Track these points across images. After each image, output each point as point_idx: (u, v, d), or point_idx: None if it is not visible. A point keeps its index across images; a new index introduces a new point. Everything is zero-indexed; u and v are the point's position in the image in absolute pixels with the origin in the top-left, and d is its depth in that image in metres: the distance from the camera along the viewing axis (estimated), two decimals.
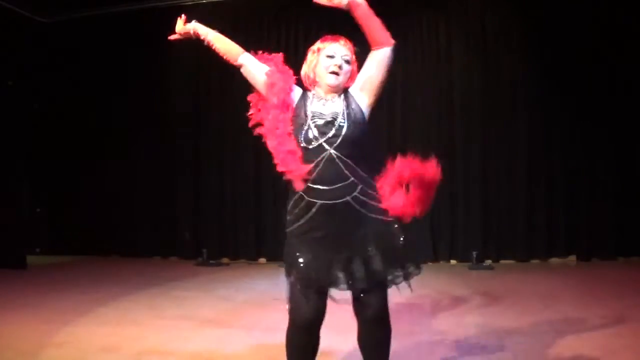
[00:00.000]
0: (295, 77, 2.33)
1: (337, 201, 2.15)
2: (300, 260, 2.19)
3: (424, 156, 2.23)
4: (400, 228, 2.24)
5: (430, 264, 6.60)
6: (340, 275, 2.16)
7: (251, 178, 7.02)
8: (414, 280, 2.30)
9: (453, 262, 6.60)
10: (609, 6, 6.22)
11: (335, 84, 2.25)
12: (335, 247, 2.17)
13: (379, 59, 2.30)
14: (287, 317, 2.28)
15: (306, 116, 2.21)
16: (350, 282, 2.16)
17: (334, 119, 2.18)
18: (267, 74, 2.29)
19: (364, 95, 2.27)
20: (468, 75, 6.67)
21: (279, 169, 2.20)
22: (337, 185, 2.15)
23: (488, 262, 6.42)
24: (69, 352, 3.31)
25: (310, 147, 2.16)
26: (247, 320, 4.09)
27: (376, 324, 2.24)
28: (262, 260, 7.06)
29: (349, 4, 2.26)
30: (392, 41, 2.30)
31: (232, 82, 6.11)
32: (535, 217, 6.46)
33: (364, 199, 2.18)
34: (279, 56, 2.36)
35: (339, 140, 2.15)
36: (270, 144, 2.22)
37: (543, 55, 6.44)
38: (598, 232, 6.34)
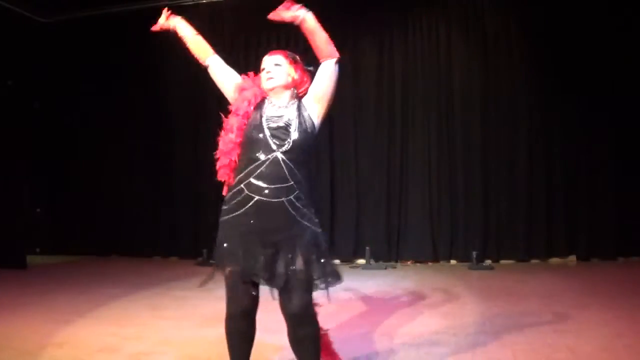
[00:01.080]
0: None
1: (273, 200, 2.30)
2: (230, 250, 2.33)
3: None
4: (326, 240, 2.40)
5: (430, 264, 6.61)
6: (264, 270, 2.29)
7: None
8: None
9: (453, 262, 6.61)
10: (609, 6, 6.22)
11: (271, 86, 2.42)
12: (263, 242, 2.30)
13: (325, 70, 2.43)
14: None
15: (261, 118, 2.39)
16: (270, 278, 2.29)
17: (287, 125, 2.36)
18: (243, 78, 2.51)
19: (314, 105, 2.45)
20: (468, 75, 6.68)
21: (217, 166, 2.43)
22: (276, 186, 2.30)
23: (488, 262, 6.42)
24: (69, 352, 3.31)
25: (260, 146, 2.33)
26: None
27: (298, 321, 2.34)
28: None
29: (298, 19, 2.41)
30: (337, 54, 2.44)
31: None
32: (535, 217, 6.46)
33: (298, 204, 2.33)
34: (253, 76, 2.54)
35: (287, 145, 2.32)
36: (220, 143, 2.44)
37: (543, 55, 6.45)
38: (598, 232, 6.34)
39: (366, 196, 6.89)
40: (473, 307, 4.32)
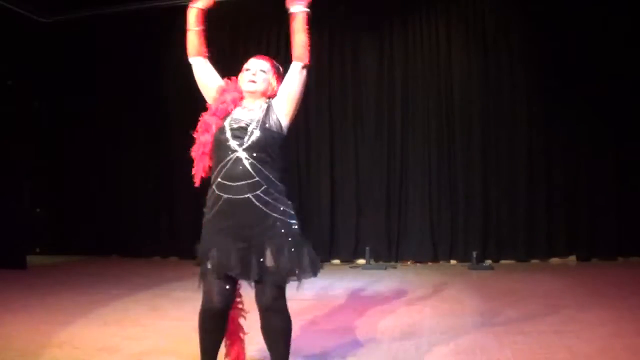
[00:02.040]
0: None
1: (240, 197, 2.39)
2: (208, 248, 2.43)
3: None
4: (300, 231, 2.47)
5: (430, 264, 6.61)
6: (237, 264, 2.37)
7: None
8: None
9: (453, 262, 6.61)
10: (609, 6, 6.22)
11: (251, 90, 2.52)
12: (236, 238, 2.39)
13: (293, 71, 2.54)
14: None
15: (226, 119, 2.49)
16: (243, 272, 2.38)
17: (247, 125, 2.44)
18: (225, 81, 2.60)
19: (282, 104, 2.53)
20: (468, 75, 6.68)
21: (193, 172, 2.55)
22: (241, 183, 2.39)
23: (488, 262, 6.42)
24: (69, 352, 3.31)
25: (224, 146, 2.43)
26: (246, 321, 4.08)
27: (271, 313, 2.42)
28: None
29: (295, 11, 2.52)
30: (306, 60, 2.53)
31: None
32: (535, 217, 6.46)
33: (267, 198, 2.40)
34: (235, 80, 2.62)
35: (247, 144, 2.41)
36: (196, 144, 2.54)
37: (543, 55, 6.45)
38: (598, 232, 6.34)
39: (366, 196, 6.89)
40: (473, 307, 4.32)
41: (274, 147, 2.46)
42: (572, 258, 6.43)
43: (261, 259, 2.37)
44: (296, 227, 2.46)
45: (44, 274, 6.37)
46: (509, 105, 6.58)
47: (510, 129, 6.57)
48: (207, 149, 2.50)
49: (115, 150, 7.57)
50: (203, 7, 2.64)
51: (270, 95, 2.57)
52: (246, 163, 2.40)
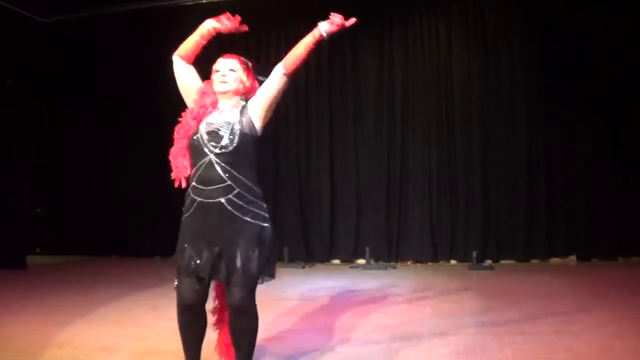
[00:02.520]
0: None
1: (212, 200, 2.45)
2: (179, 248, 2.54)
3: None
4: (272, 235, 2.54)
5: (430, 264, 6.61)
6: (205, 266, 2.44)
7: None
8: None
9: (453, 262, 6.61)
10: (609, 6, 6.22)
11: (223, 90, 2.55)
12: (208, 240, 2.46)
13: (275, 74, 2.54)
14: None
15: (201, 123, 2.54)
16: (213, 273, 2.45)
17: (219, 129, 2.48)
18: (205, 83, 2.64)
19: (256, 108, 2.55)
20: (468, 75, 6.68)
21: (172, 176, 2.63)
22: (213, 187, 2.44)
23: (488, 262, 6.42)
24: (69, 352, 3.31)
25: (198, 150, 2.48)
26: None
27: (239, 314, 2.50)
28: None
29: (318, 28, 2.53)
30: (289, 71, 2.51)
31: None
32: (535, 217, 6.46)
33: (239, 202, 2.45)
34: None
35: (219, 148, 2.45)
36: (175, 147, 2.61)
37: (543, 55, 6.45)
38: (598, 232, 6.34)
39: (366, 196, 6.89)
40: (473, 307, 4.33)
41: (247, 150, 2.48)
42: (572, 258, 6.43)
43: (230, 262, 2.43)
44: (268, 230, 2.52)
45: (44, 274, 6.37)
46: (509, 105, 6.58)
47: (510, 129, 6.57)
48: (185, 150, 2.56)
49: (115, 150, 7.56)
50: (223, 30, 2.68)
51: (244, 92, 2.59)
52: (218, 167, 2.44)
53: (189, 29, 2.74)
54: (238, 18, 2.71)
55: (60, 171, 7.78)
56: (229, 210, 2.44)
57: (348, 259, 6.82)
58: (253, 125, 2.52)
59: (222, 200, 2.43)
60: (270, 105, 2.55)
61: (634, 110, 6.23)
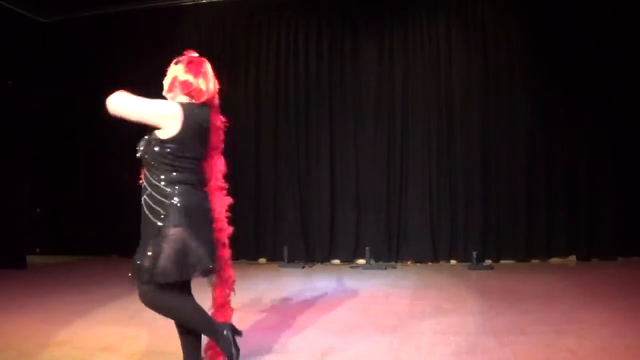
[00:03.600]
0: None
1: (141, 200, 2.64)
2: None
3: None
4: (171, 237, 2.55)
5: (430, 264, 6.61)
6: (133, 265, 2.58)
7: (251, 180, 7.03)
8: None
9: (453, 262, 6.61)
10: (609, 5, 6.22)
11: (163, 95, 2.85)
12: (141, 238, 2.63)
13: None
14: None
15: None
16: (133, 272, 2.59)
17: (142, 137, 2.71)
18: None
19: None
20: (468, 75, 6.68)
21: None
22: (142, 187, 2.65)
23: (488, 262, 6.42)
24: (69, 352, 3.31)
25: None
26: (247, 321, 4.08)
27: (149, 310, 2.67)
28: (262, 260, 7.07)
29: None
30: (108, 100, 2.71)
31: (231, 83, 6.12)
32: (535, 217, 6.46)
33: (150, 202, 2.58)
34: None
35: (138, 154, 2.68)
36: None
37: (543, 55, 6.45)
38: (598, 232, 6.34)
39: (366, 196, 6.89)
40: (473, 307, 4.33)
41: (155, 153, 2.62)
42: (572, 258, 6.43)
43: (143, 260, 2.52)
44: (175, 231, 2.52)
45: (44, 274, 6.37)
46: (509, 106, 6.58)
47: (510, 129, 6.57)
48: None
49: (116, 150, 7.55)
50: None
51: (187, 93, 2.75)
52: (142, 170, 2.67)
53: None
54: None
55: (60, 171, 7.78)
56: (144, 210, 2.63)
57: (348, 259, 6.82)
58: (155, 134, 2.71)
59: (142, 200, 2.66)
60: (139, 119, 2.71)
61: (634, 111, 6.23)
